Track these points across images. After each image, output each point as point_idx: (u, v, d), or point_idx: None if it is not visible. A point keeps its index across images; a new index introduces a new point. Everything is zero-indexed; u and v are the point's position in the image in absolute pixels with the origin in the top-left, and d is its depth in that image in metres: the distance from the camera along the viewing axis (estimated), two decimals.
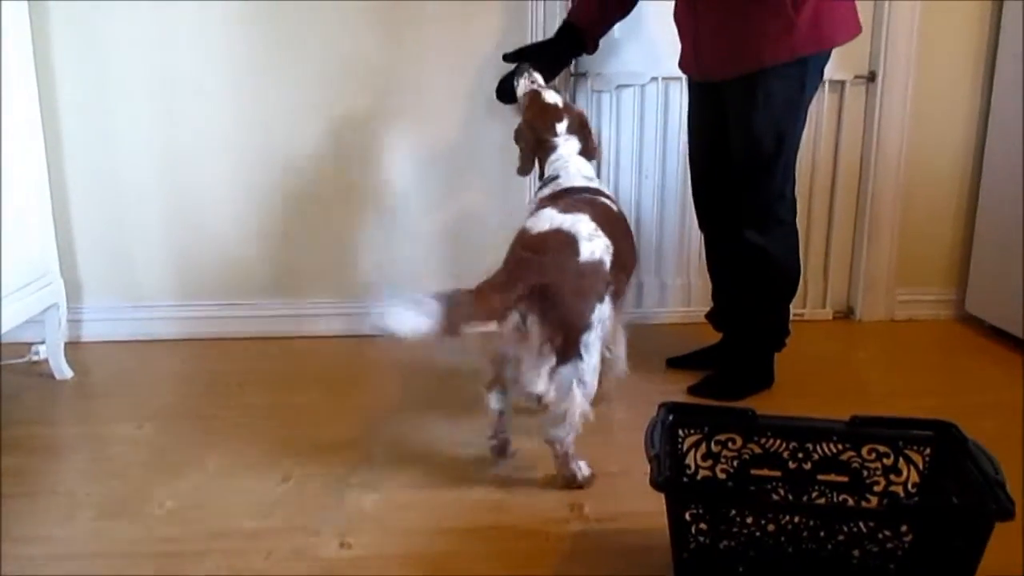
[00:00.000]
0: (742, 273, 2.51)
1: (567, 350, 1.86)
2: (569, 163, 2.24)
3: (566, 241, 1.90)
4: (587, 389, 1.91)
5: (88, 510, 1.91)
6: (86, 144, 2.87)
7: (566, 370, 1.87)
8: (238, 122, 2.91)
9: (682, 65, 2.54)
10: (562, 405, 1.89)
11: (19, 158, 2.51)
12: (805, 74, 2.29)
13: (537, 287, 1.83)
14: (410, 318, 1.70)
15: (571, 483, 1.99)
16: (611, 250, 1.95)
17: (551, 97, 2.30)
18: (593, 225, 1.94)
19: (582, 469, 2.00)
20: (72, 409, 2.51)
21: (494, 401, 2.06)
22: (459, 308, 1.75)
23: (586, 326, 1.87)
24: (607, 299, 1.94)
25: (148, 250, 2.98)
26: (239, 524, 1.85)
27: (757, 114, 2.29)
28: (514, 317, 1.85)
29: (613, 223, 2.05)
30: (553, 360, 1.86)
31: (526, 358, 1.88)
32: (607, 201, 2.15)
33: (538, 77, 2.36)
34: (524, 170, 2.32)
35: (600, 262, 1.92)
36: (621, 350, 2.24)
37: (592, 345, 1.89)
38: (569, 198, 2.08)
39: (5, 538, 1.80)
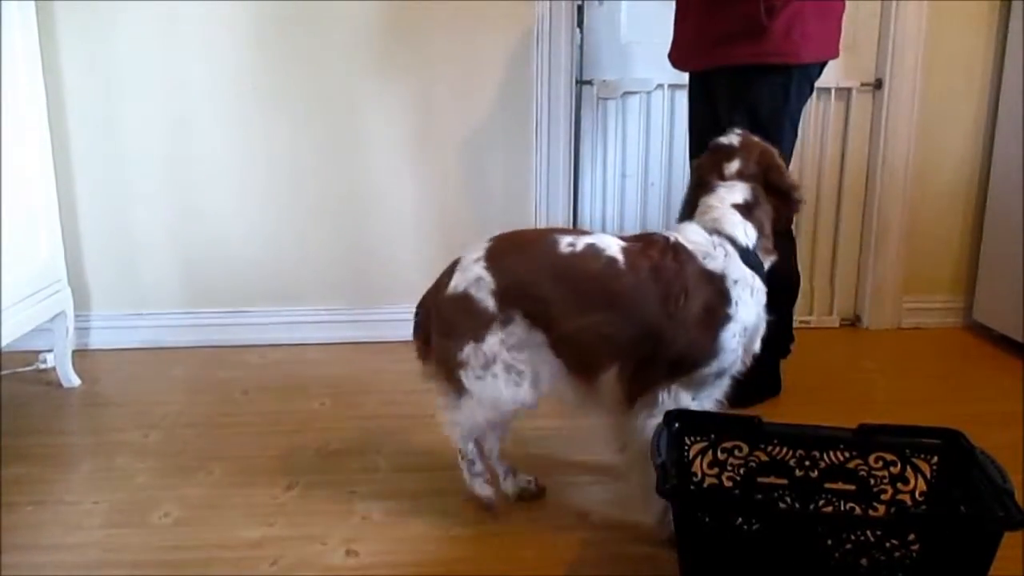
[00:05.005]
0: None
1: (451, 384, 1.81)
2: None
3: (445, 274, 1.83)
4: (460, 424, 1.85)
5: (95, 518, 1.92)
6: (94, 152, 2.89)
7: (461, 400, 1.82)
8: (245, 131, 2.92)
9: (668, 54, 2.55)
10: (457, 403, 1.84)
11: (27, 166, 2.52)
12: (790, 83, 2.30)
13: (423, 328, 1.87)
14: None
15: (467, 492, 1.95)
16: (491, 284, 1.74)
17: None
18: (478, 255, 1.79)
19: (482, 488, 1.93)
20: (79, 417, 2.51)
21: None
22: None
23: (456, 364, 1.77)
24: (494, 337, 1.74)
25: (155, 258, 2.99)
26: (245, 532, 1.85)
27: (741, 123, 2.28)
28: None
29: (526, 253, 1.80)
30: (449, 391, 1.84)
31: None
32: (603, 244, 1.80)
33: None
34: None
35: (464, 296, 1.75)
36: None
37: (475, 384, 1.77)
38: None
39: (13, 547, 1.80)
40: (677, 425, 1.74)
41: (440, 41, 2.91)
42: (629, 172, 3.12)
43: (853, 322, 3.31)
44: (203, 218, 2.97)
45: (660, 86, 3.03)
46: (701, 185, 1.91)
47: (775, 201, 1.87)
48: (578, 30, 2.95)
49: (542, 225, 3.00)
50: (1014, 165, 2.96)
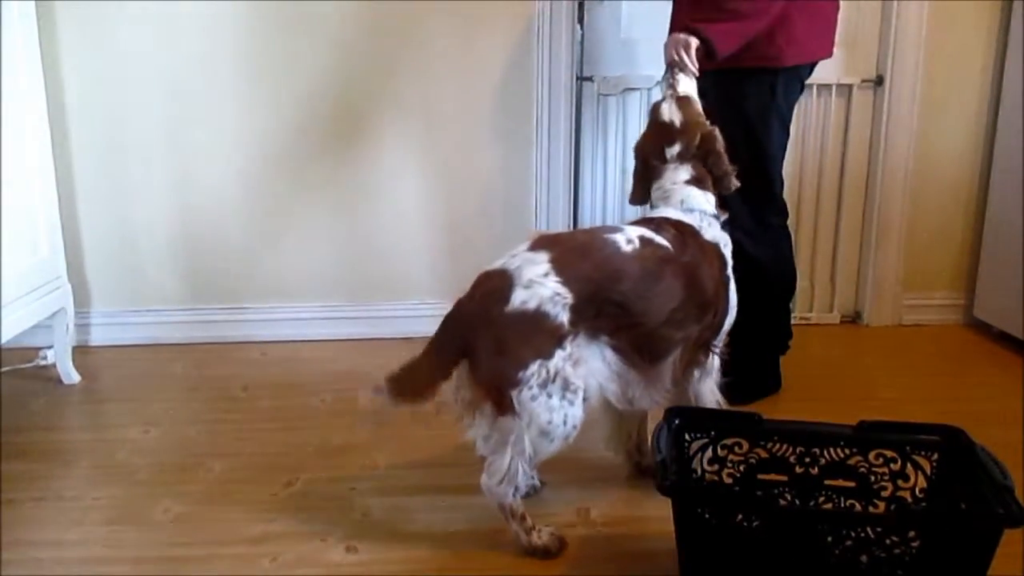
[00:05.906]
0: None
1: (499, 407, 1.68)
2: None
3: (496, 287, 1.69)
4: (521, 448, 1.70)
5: (95, 515, 1.92)
6: (94, 150, 2.88)
7: (504, 423, 1.69)
8: (245, 129, 2.92)
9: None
10: (492, 458, 1.73)
11: (27, 163, 2.52)
12: (776, 83, 2.30)
13: (464, 344, 1.70)
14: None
15: (524, 548, 1.76)
16: (568, 299, 1.68)
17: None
18: (544, 268, 1.70)
19: (529, 533, 1.76)
20: (79, 414, 2.52)
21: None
22: (404, 384, 1.75)
23: (512, 383, 1.66)
24: (563, 352, 1.68)
25: (155, 255, 2.98)
26: (246, 529, 1.86)
27: (730, 121, 2.27)
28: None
29: (601, 261, 1.77)
30: (493, 416, 1.70)
31: (467, 416, 1.75)
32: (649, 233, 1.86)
33: None
34: None
35: (538, 313, 1.66)
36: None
37: (529, 404, 1.67)
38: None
39: (14, 543, 1.81)
40: (678, 422, 1.75)
41: (441, 37, 2.90)
42: (630, 168, 3.10)
43: (853, 319, 3.31)
44: (203, 215, 2.97)
45: (660, 83, 3.03)
46: (647, 168, 2.05)
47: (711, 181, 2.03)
48: (579, 26, 2.95)
49: (543, 221, 3.00)
50: (1015, 162, 2.96)
